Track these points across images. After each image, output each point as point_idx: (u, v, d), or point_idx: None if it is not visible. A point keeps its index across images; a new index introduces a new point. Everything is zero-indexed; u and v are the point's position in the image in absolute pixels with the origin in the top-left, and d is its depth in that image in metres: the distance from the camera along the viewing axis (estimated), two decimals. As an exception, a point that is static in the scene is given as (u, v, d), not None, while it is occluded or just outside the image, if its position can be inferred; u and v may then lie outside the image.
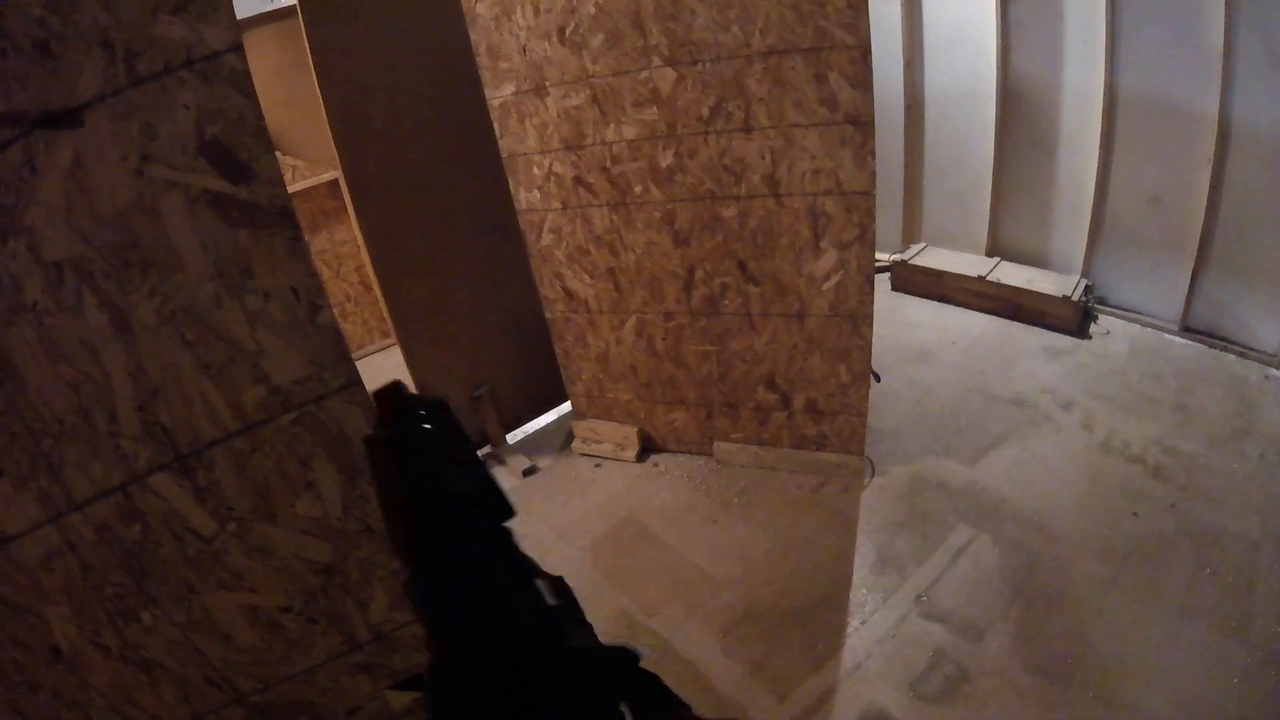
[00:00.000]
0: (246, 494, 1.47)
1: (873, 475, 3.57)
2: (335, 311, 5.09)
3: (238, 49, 1.23)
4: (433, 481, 0.90)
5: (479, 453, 4.04)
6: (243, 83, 1.25)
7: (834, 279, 3.14)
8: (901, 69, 5.16)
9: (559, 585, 1.00)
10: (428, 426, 0.92)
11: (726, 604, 3.03)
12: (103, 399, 1.35)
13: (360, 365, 1.61)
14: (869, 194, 2.93)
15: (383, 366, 5.37)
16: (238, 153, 1.27)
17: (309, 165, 5.31)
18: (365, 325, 5.90)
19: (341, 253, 5.68)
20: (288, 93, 4.81)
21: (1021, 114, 4.69)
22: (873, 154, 2.87)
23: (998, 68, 4.62)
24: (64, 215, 1.23)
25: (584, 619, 1.01)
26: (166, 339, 1.33)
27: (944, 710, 2.50)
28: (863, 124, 2.82)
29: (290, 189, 5.25)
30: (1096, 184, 4.42)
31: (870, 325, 3.20)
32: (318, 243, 5.54)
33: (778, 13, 2.76)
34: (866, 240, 3.02)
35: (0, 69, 1.16)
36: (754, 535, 3.37)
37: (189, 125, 1.24)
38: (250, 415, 1.41)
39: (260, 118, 1.28)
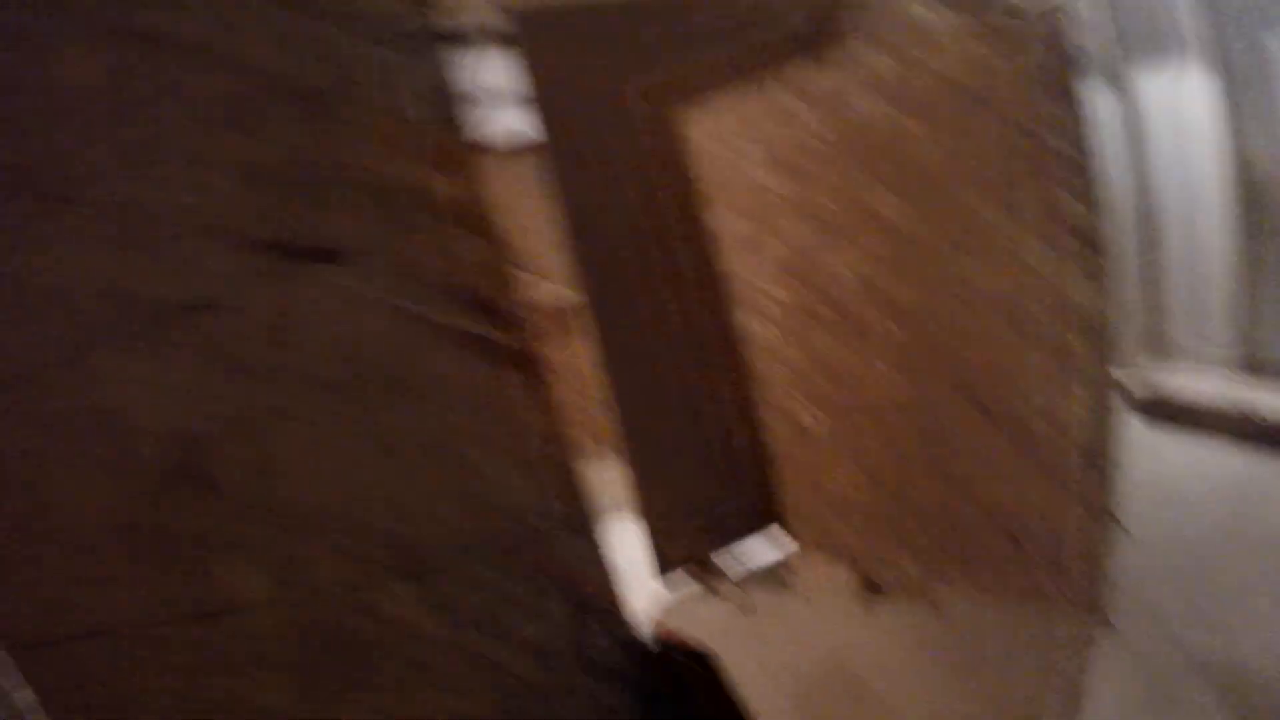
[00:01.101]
0: (474, 608, 1.54)
1: (1110, 633, 3.12)
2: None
3: (486, 200, 1.37)
4: None
5: (689, 570, 4.02)
6: (491, 232, 1.38)
7: (1074, 410, 2.89)
8: (1129, 172, 4.78)
9: None
10: None
11: (943, 773, 2.67)
12: (349, 506, 1.47)
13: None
14: (1106, 318, 2.72)
15: (601, 481, 5.47)
16: (491, 299, 1.41)
17: (540, 285, 5.67)
18: (588, 437, 6.07)
19: (568, 367, 5.91)
20: (524, 218, 5.23)
21: (1261, 207, 4.18)
22: (1112, 277, 2.69)
23: (1230, 157, 4.18)
24: (324, 340, 1.40)
25: None
26: (415, 461, 1.45)
27: None
28: (1096, 243, 2.66)
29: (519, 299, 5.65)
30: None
31: (1118, 467, 2.90)
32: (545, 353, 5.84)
33: (999, 132, 2.70)
34: (1106, 368, 2.80)
35: (258, 205, 1.37)
36: (977, 695, 3.00)
37: (444, 269, 1.39)
38: (487, 538, 1.49)
39: (512, 269, 1.42)
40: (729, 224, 3.52)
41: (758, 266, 3.49)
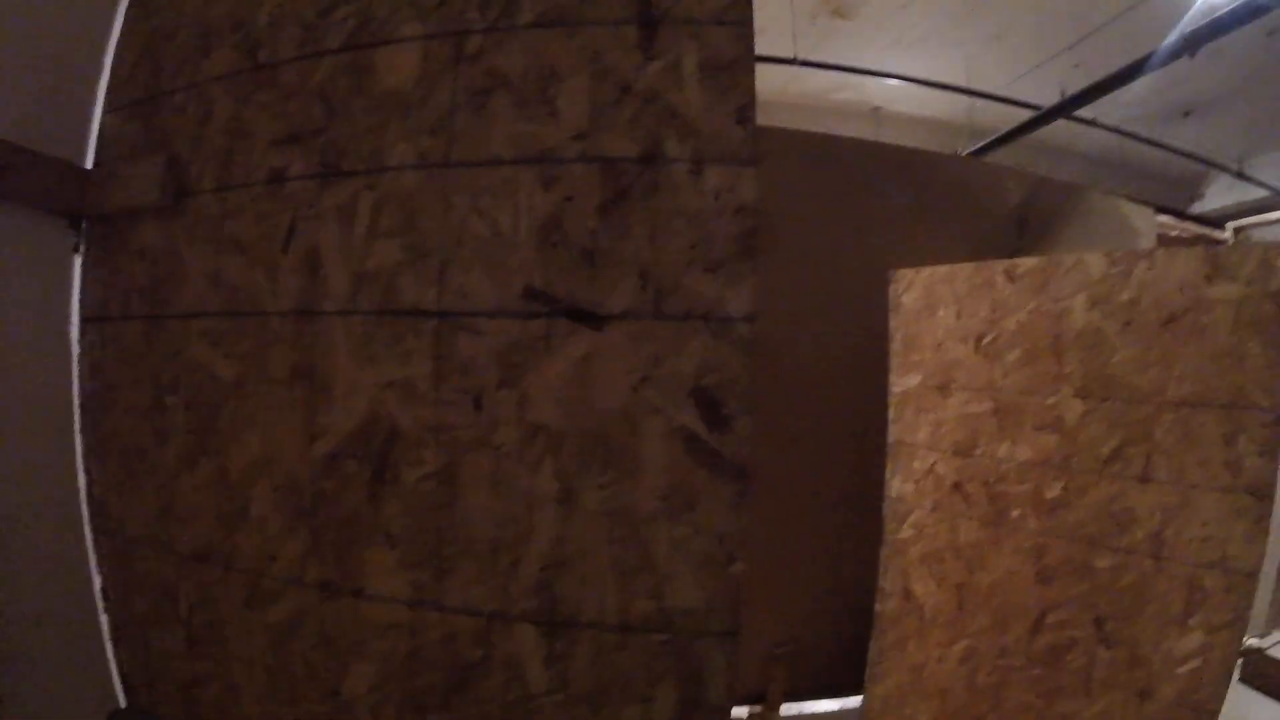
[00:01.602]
0: (589, 678, 1.57)
1: None
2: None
3: (752, 319, 1.43)
4: None
5: (751, 709, 3.97)
6: (746, 349, 1.45)
7: (1192, 664, 2.70)
8: None
9: None
10: None
11: None
12: (516, 544, 1.54)
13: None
14: (1254, 575, 2.56)
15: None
16: (722, 406, 1.47)
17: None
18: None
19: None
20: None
21: None
22: (1267, 531, 2.53)
23: None
24: (558, 393, 1.49)
25: None
26: (596, 528, 1.51)
27: None
28: (1263, 496, 2.52)
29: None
30: None
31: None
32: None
33: (1197, 362, 2.62)
34: (1238, 627, 2.61)
35: (547, 257, 1.48)
36: None
37: (690, 368, 1.46)
38: (632, 620, 1.53)
39: (751, 383, 1.48)
40: (908, 385, 3.52)
41: (925, 434, 3.46)
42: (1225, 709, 2.79)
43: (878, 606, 3.74)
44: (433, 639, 1.65)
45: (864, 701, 3.91)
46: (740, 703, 4.06)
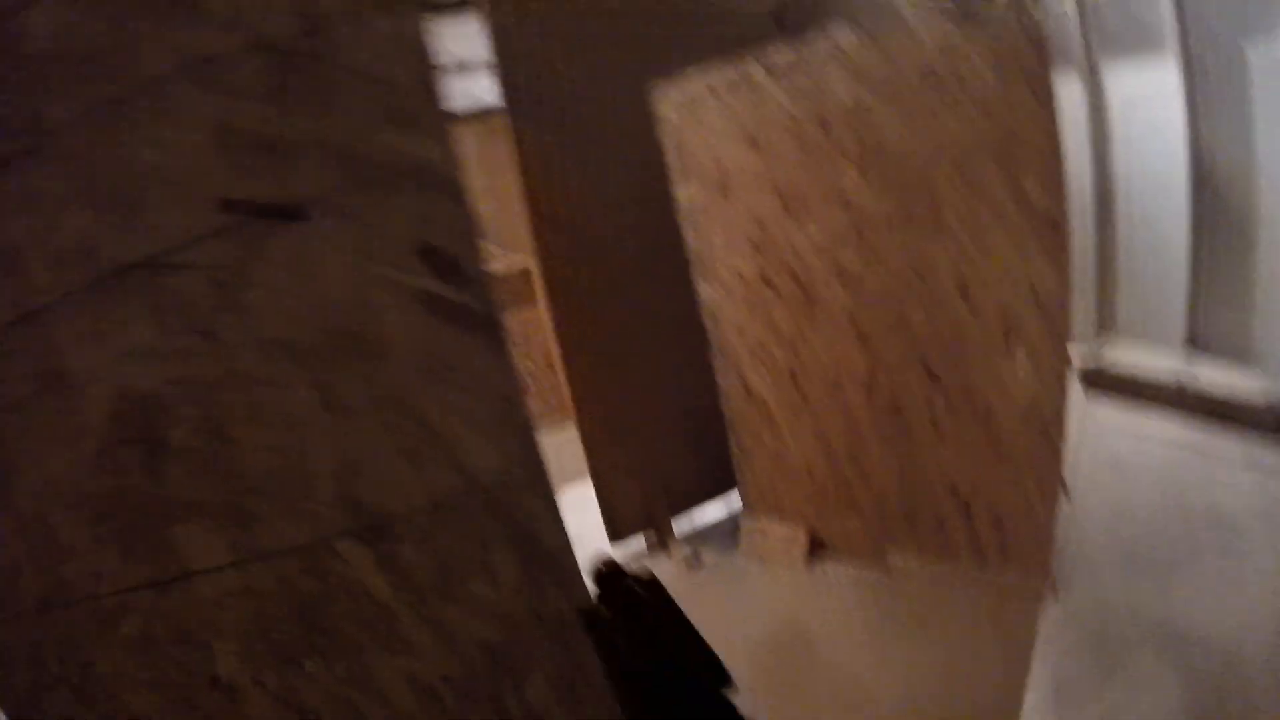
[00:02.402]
0: (426, 569, 1.54)
1: (1056, 598, 3.25)
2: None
3: (457, 164, 1.36)
4: (660, 658, 0.86)
5: (644, 535, 4.09)
6: (461, 195, 1.38)
7: (1026, 386, 2.96)
8: (1089, 156, 4.90)
9: None
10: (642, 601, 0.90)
11: (892, 731, 2.79)
12: (302, 467, 1.46)
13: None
14: (1064, 298, 2.78)
15: (556, 446, 5.50)
16: (454, 259, 1.40)
17: (503, 250, 5.67)
18: (545, 402, 6.13)
19: (527, 332, 6.03)
20: (488, 183, 5.22)
21: (1215, 198, 4.34)
22: (1069, 256, 2.73)
23: (1188, 151, 4.34)
24: (284, 299, 1.37)
25: None
26: (370, 421, 1.44)
27: None
28: (1058, 225, 2.69)
29: (486, 264, 5.68)
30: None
31: (1064, 437, 2.98)
32: (507, 321, 5.85)
33: (966, 113, 2.72)
34: (1061, 346, 2.86)
35: (231, 162, 1.35)
36: (925, 657, 3.11)
37: (412, 230, 1.37)
38: (440, 499, 1.49)
39: (476, 229, 1.41)
40: (692, 195, 3.52)
41: (720, 238, 3.52)
42: (1076, 416, 3.06)
43: (726, 409, 3.90)
44: (270, 590, 1.58)
45: (741, 497, 4.14)
46: (631, 532, 4.20)
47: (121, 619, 1.65)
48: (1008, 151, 2.69)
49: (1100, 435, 4.49)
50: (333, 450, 1.46)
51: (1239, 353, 4.48)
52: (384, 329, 1.40)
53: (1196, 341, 4.70)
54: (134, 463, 1.53)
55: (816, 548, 3.88)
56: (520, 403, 1.45)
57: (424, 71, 1.37)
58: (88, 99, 1.45)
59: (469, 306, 1.40)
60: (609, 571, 0.89)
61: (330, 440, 1.45)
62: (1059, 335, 2.84)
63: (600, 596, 0.89)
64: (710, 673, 0.88)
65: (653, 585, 0.89)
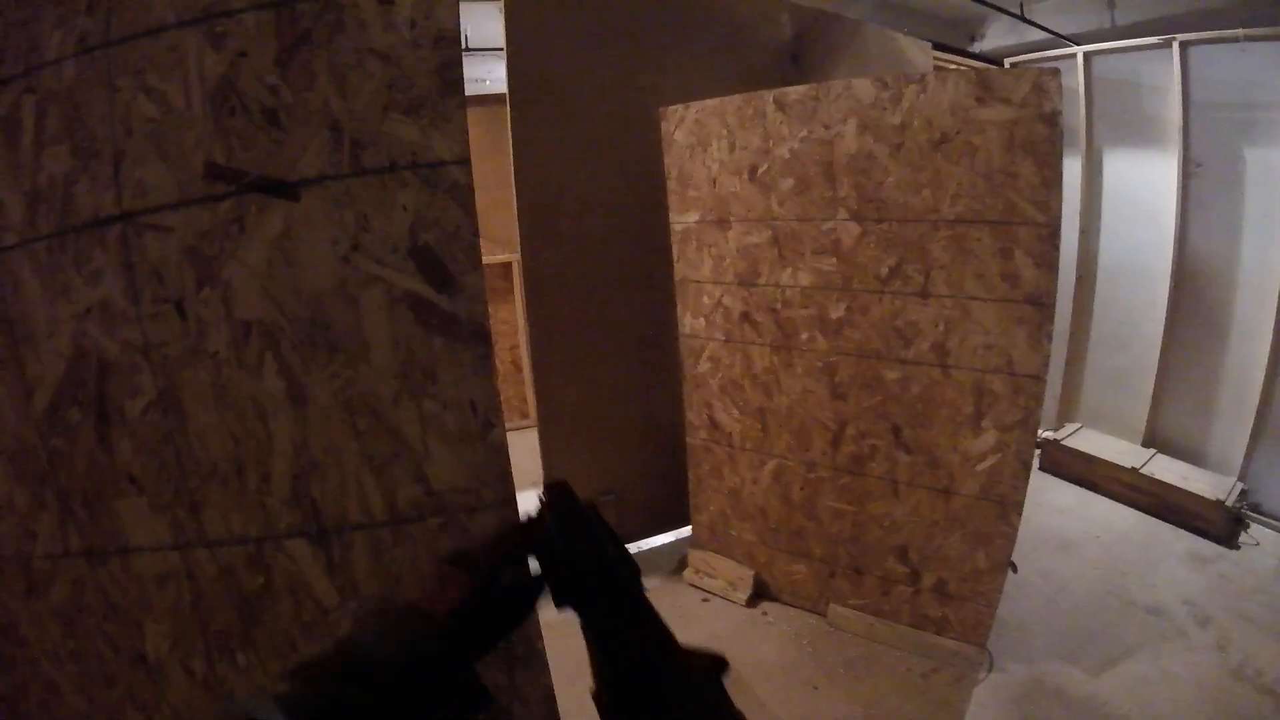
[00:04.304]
0: (377, 580, 1.48)
1: (989, 670, 3.26)
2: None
3: (464, 162, 1.28)
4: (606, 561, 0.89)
5: None
6: (464, 197, 1.30)
7: (990, 460, 2.97)
8: (1076, 236, 5.02)
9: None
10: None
11: (812, 785, 2.76)
12: (260, 458, 1.39)
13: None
14: (1040, 378, 2.79)
15: (515, 446, 5.46)
16: (447, 263, 1.32)
17: (486, 243, 5.59)
18: (507, 403, 6.05)
19: (500, 330, 5.92)
20: (478, 174, 5.13)
21: (1194, 294, 4.47)
22: (1049, 337, 2.74)
23: (1175, 244, 4.44)
24: (263, 280, 1.30)
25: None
26: (337, 421, 1.37)
27: None
28: (1043, 305, 2.71)
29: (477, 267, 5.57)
30: (1265, 376, 4.12)
31: (1019, 513, 2.99)
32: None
33: (970, 181, 2.73)
34: (1030, 425, 2.86)
35: (226, 126, 1.25)
36: (853, 713, 3.10)
37: (403, 226, 1.29)
38: (400, 511, 1.42)
39: (475, 234, 1.34)
40: (687, 220, 3.50)
41: (708, 268, 3.49)
42: (1031, 492, 3.12)
43: (688, 439, 3.86)
44: (211, 578, 1.51)
45: (692, 530, 4.09)
46: None
47: (51, 584, 1.58)
48: (1005, 225, 2.70)
49: (1050, 512, 4.54)
50: (294, 446, 1.39)
51: (1196, 451, 4.60)
52: (365, 328, 1.34)
53: (1157, 436, 4.82)
54: (85, 427, 1.46)
55: (761, 589, 3.85)
56: (496, 422, 1.39)
57: (444, 60, 1.31)
58: (83, 33, 1.38)
59: (457, 316, 1.34)
60: (559, 488, 0.90)
61: (293, 435, 1.39)
62: (1029, 414, 2.85)
63: (545, 503, 0.91)
64: (629, 570, 0.89)
65: (596, 511, 0.92)
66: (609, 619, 0.88)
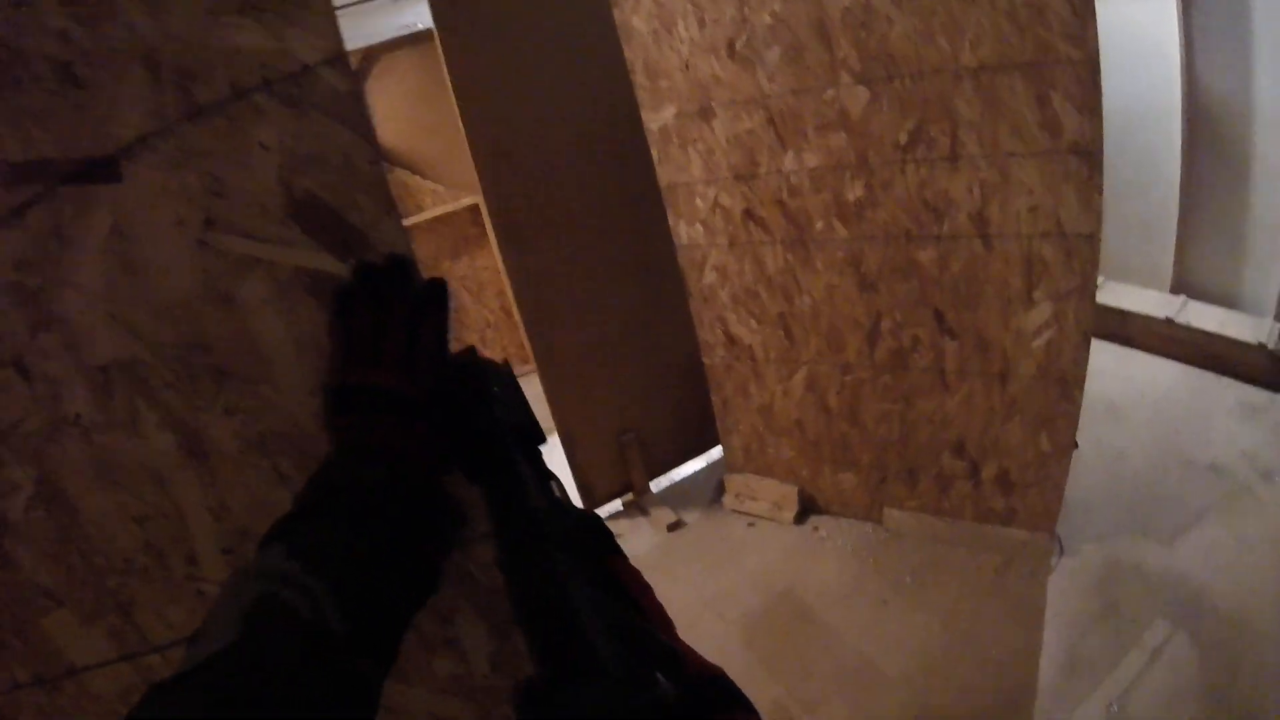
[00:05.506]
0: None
1: (1061, 555, 3.10)
2: (475, 338, 4.97)
3: (339, 61, 0.86)
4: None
5: (623, 500, 3.95)
6: (349, 110, 0.89)
7: (1046, 335, 2.70)
8: None
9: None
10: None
11: (898, 705, 2.68)
12: (176, 537, 1.05)
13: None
14: (1094, 237, 2.49)
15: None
16: (345, 214, 0.91)
17: (450, 190, 5.18)
18: (505, 352, 5.77)
19: (483, 279, 5.58)
20: (433, 116, 4.70)
21: (1210, 132, 4.21)
22: (1100, 190, 2.43)
23: (1182, 80, 4.16)
24: (106, 303, 0.89)
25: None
26: (254, 469, 1.00)
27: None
28: (1090, 154, 2.39)
29: (431, 214, 5.22)
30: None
31: (1082, 389, 2.76)
32: (459, 269, 5.45)
33: (991, 20, 2.35)
34: (1087, 291, 2.58)
35: (13, 103, 0.83)
36: (929, 623, 2.96)
37: (271, 175, 0.88)
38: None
39: (377, 161, 0.92)
40: (664, 119, 3.12)
41: (698, 169, 3.13)
42: None
43: (705, 360, 3.58)
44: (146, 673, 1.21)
45: (725, 455, 3.86)
46: (610, 497, 3.95)
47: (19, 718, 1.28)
48: (1038, 67, 2.35)
49: (1092, 379, 4.34)
50: (212, 514, 1.03)
51: (1229, 295, 4.41)
52: (253, 336, 0.94)
53: (1186, 283, 4.64)
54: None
55: (808, 505, 3.64)
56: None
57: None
58: None
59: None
60: (463, 355, 0.92)
61: (205, 501, 1.02)
62: (1086, 279, 2.57)
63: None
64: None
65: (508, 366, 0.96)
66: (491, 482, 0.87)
